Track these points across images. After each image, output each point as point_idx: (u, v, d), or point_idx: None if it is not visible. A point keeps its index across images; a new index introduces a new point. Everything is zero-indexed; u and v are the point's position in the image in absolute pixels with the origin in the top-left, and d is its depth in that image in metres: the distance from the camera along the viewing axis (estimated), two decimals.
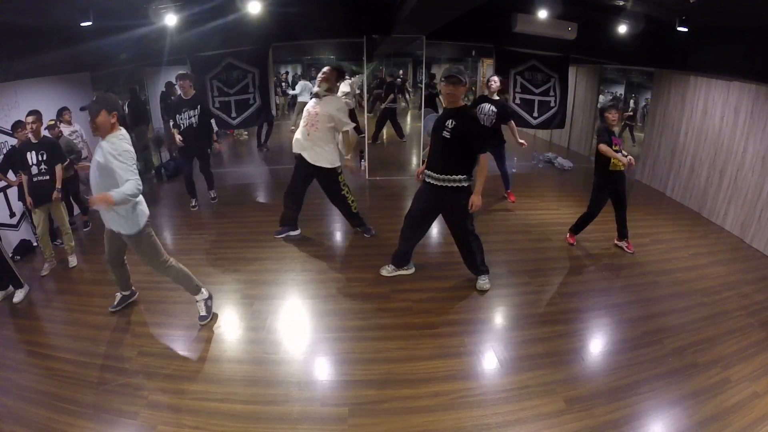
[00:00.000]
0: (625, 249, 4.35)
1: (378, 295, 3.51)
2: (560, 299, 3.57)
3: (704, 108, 5.37)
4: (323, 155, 4.06)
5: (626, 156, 3.96)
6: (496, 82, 5.24)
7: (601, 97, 8.08)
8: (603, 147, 3.90)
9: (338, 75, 4.09)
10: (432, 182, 3.30)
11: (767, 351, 2.89)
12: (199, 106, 5.04)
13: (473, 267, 3.62)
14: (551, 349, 2.91)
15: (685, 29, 4.72)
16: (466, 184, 3.26)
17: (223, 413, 2.38)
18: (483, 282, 3.60)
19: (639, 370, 2.70)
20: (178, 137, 5.04)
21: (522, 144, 5.46)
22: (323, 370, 2.74)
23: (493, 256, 4.19)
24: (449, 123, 3.13)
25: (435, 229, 5.05)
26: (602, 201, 4.17)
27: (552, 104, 6.79)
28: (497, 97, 5.28)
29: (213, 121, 5.44)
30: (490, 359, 2.81)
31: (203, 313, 3.13)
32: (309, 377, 2.67)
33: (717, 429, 2.28)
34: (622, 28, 5.34)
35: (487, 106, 5.21)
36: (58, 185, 3.84)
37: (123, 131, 2.73)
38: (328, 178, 4.20)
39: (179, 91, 5.11)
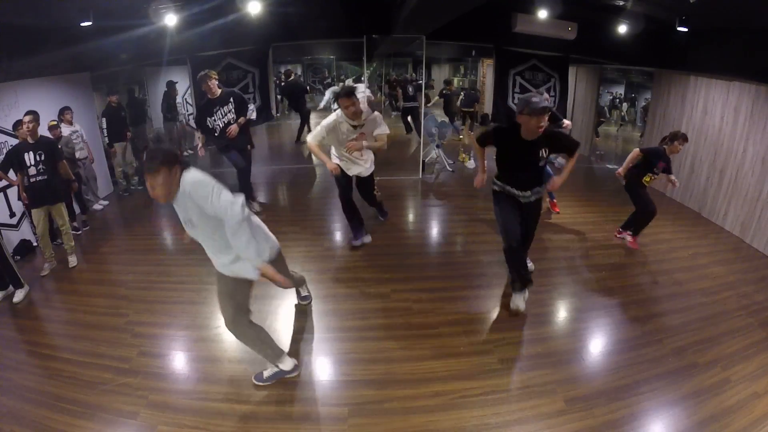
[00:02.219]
0: (626, 238, 4.44)
1: (378, 295, 3.51)
2: (560, 299, 3.57)
3: (704, 108, 5.37)
4: (365, 166, 4.03)
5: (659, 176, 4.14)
6: (569, 124, 5.15)
7: (601, 99, 8.08)
8: (637, 153, 4.14)
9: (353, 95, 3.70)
10: (515, 194, 3.26)
11: (767, 351, 2.89)
12: (232, 99, 4.67)
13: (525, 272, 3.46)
14: (551, 349, 2.91)
15: (685, 29, 4.72)
16: None
17: (223, 413, 2.38)
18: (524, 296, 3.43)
19: (639, 370, 2.70)
20: (200, 148, 4.83)
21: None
22: (323, 370, 2.74)
23: (494, 255, 4.20)
24: (543, 152, 3.06)
25: (435, 229, 5.06)
26: (642, 195, 4.19)
27: (552, 104, 6.79)
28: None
29: (252, 108, 5.19)
30: (490, 359, 2.81)
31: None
32: (309, 377, 2.67)
33: (717, 429, 2.28)
34: (622, 28, 5.35)
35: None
36: (72, 177, 3.99)
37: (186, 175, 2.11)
38: (368, 182, 4.20)
39: (207, 94, 4.65)
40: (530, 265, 3.72)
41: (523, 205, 3.23)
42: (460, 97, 9.70)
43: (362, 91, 8.35)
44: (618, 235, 4.54)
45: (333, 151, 4.02)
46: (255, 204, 5.33)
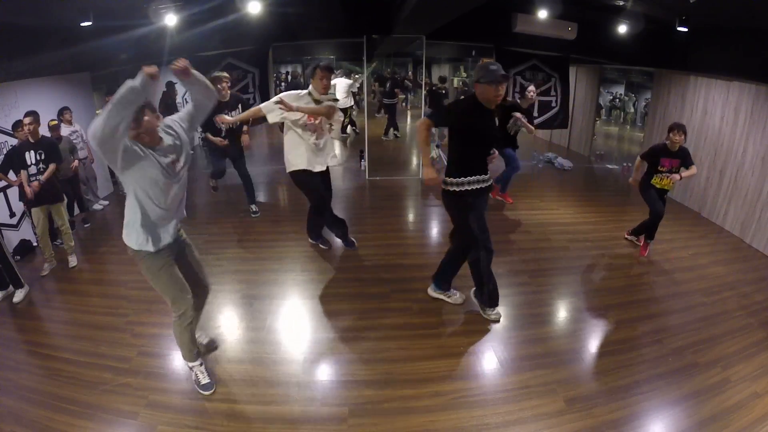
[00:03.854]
0: (636, 242, 4.44)
1: (378, 295, 3.51)
2: (560, 299, 3.57)
3: (704, 108, 5.37)
4: (332, 154, 3.91)
5: (674, 175, 3.98)
6: (533, 91, 5.26)
7: (602, 99, 8.08)
8: (638, 160, 4.13)
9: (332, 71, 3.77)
10: (484, 186, 3.00)
11: (767, 351, 2.89)
12: (240, 106, 4.75)
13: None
14: (551, 349, 2.91)
15: (685, 29, 4.72)
16: None
17: (223, 413, 2.38)
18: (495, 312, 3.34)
19: (639, 370, 2.70)
20: (218, 139, 4.72)
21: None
22: (323, 370, 2.74)
23: (494, 256, 4.19)
24: (495, 122, 2.97)
25: (435, 229, 5.05)
26: (654, 197, 4.10)
27: (553, 104, 6.79)
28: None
29: None
30: (490, 359, 2.81)
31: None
32: (309, 377, 2.67)
33: (717, 429, 2.28)
34: (622, 28, 5.34)
35: (519, 117, 5.10)
36: (43, 179, 3.78)
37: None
38: (329, 174, 3.97)
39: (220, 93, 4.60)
40: (457, 295, 3.42)
41: (485, 196, 3.06)
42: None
43: (346, 83, 8.50)
44: (627, 237, 4.54)
45: (293, 149, 3.73)
46: (252, 206, 5.23)
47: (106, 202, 5.75)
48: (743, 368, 2.72)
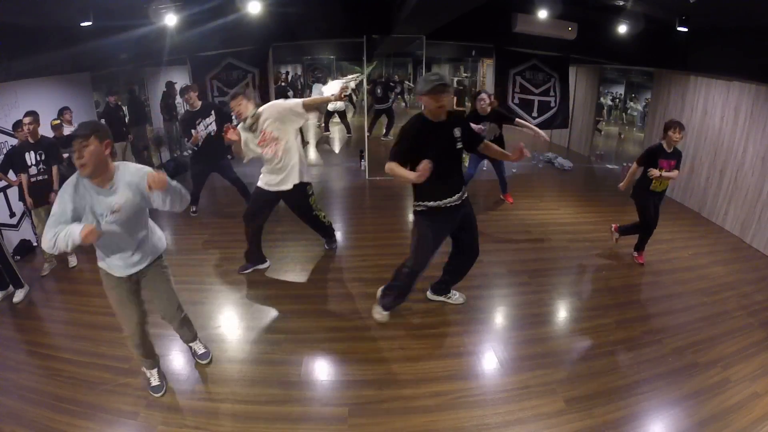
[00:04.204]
0: (635, 259, 4.16)
1: None
2: (560, 299, 3.57)
3: (704, 108, 5.37)
4: (294, 172, 3.51)
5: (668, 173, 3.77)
6: (485, 100, 4.86)
7: (602, 98, 8.08)
8: (634, 166, 3.85)
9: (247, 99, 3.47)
10: (452, 205, 2.82)
11: (767, 351, 2.89)
12: (213, 112, 4.79)
13: (462, 275, 3.30)
14: (551, 349, 2.91)
15: (685, 29, 4.72)
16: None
17: (223, 413, 2.38)
18: (458, 295, 3.40)
19: (639, 370, 2.70)
20: (196, 138, 4.72)
21: (543, 137, 5.02)
22: (323, 370, 2.74)
23: (494, 256, 4.20)
24: (456, 132, 2.72)
25: None
26: (649, 208, 3.89)
27: (552, 104, 6.79)
28: (488, 110, 4.92)
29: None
30: (490, 359, 2.81)
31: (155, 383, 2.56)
32: (309, 377, 2.67)
33: (717, 429, 2.28)
34: (622, 28, 5.34)
35: (487, 125, 5.00)
36: (56, 186, 3.82)
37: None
38: (299, 194, 3.63)
39: (185, 106, 4.81)
40: (457, 296, 3.39)
41: (457, 213, 2.86)
42: None
43: (338, 83, 8.65)
44: (614, 229, 4.34)
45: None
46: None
47: None
48: (743, 368, 2.72)
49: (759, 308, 3.40)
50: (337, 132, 10.41)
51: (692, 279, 3.84)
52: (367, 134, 9.60)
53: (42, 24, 4.18)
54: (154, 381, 2.53)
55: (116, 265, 2.26)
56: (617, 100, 7.76)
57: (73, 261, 4.08)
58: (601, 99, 7.99)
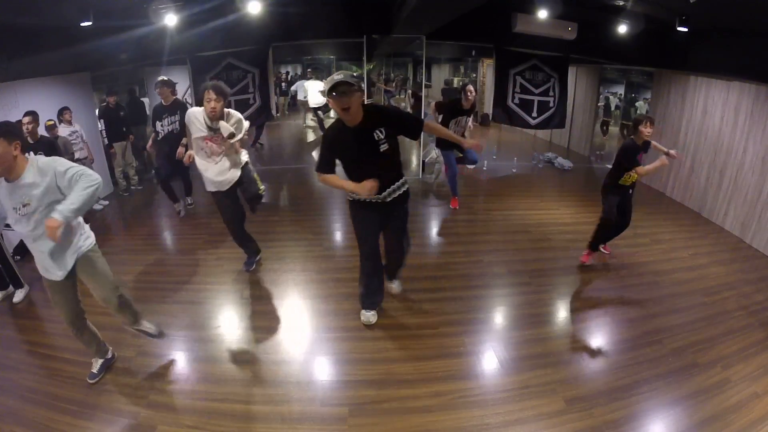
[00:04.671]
0: (602, 250, 4.19)
1: None
2: (560, 299, 3.57)
3: (704, 108, 5.37)
4: (234, 170, 3.48)
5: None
6: (472, 92, 4.97)
7: (602, 98, 8.07)
8: (639, 171, 3.61)
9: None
10: (379, 201, 2.78)
11: (767, 351, 2.89)
12: (178, 112, 4.82)
13: (396, 270, 3.28)
14: (551, 349, 2.91)
15: (685, 29, 4.72)
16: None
17: (223, 413, 2.38)
18: (397, 284, 3.39)
19: (639, 370, 2.70)
20: (149, 144, 4.83)
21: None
22: (323, 370, 2.74)
23: (493, 256, 4.20)
24: (378, 134, 2.57)
25: (434, 229, 5.06)
26: (614, 206, 3.82)
27: (551, 104, 6.79)
28: (469, 107, 5.06)
29: None
30: (490, 359, 2.81)
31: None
32: (309, 377, 2.67)
33: (717, 429, 2.28)
34: (622, 28, 5.34)
35: (464, 119, 5.12)
36: None
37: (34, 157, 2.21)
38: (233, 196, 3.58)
39: (160, 98, 4.90)
40: (395, 285, 3.36)
41: (385, 209, 2.81)
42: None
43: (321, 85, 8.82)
44: (602, 250, 4.22)
45: (202, 166, 3.42)
46: (188, 198, 5.44)
47: (106, 202, 5.75)
48: (743, 368, 2.72)
49: (759, 308, 3.40)
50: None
51: (692, 279, 3.84)
52: None
53: (42, 24, 4.18)
54: (94, 369, 2.62)
55: (40, 262, 2.31)
56: (620, 100, 7.76)
57: None
58: (610, 99, 7.95)
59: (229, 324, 3.19)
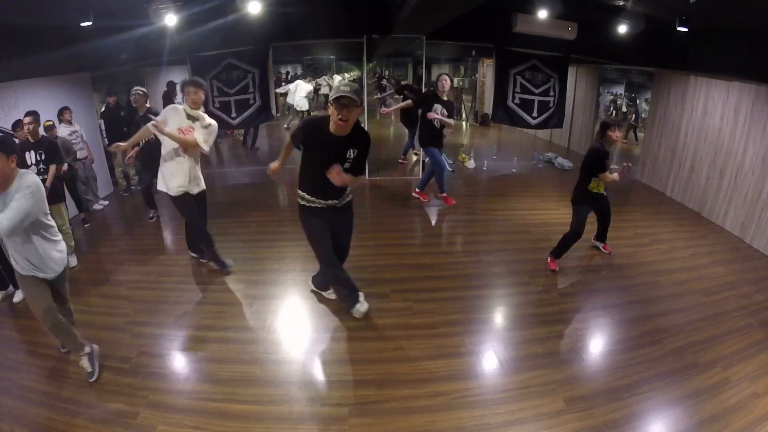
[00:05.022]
0: (602, 249, 4.28)
1: (378, 295, 3.51)
2: (560, 299, 3.57)
3: (704, 108, 5.37)
4: (200, 177, 3.68)
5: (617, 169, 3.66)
6: (447, 81, 5.09)
7: (609, 100, 8.05)
8: (608, 177, 3.59)
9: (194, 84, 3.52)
10: (326, 207, 2.91)
11: (767, 351, 2.89)
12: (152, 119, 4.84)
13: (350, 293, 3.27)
14: (551, 349, 2.91)
15: (685, 29, 4.72)
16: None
17: (223, 413, 2.38)
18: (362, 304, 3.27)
19: (639, 370, 2.70)
20: (129, 153, 4.54)
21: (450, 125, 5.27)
22: (323, 370, 2.74)
23: (493, 256, 4.20)
24: (350, 153, 2.73)
25: (435, 230, 5.06)
26: (585, 219, 3.83)
27: (550, 104, 6.79)
28: (446, 98, 5.14)
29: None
30: (490, 359, 2.81)
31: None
32: (309, 377, 2.67)
33: (717, 429, 2.28)
34: (622, 28, 5.34)
35: (439, 108, 5.12)
36: (48, 184, 3.79)
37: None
38: (203, 200, 3.78)
39: (134, 104, 4.89)
40: (330, 291, 3.43)
41: (332, 215, 2.94)
42: None
43: (308, 89, 9.08)
44: (594, 240, 4.31)
45: (169, 169, 3.56)
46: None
47: (106, 202, 5.75)
48: (743, 368, 2.72)
49: (759, 308, 3.40)
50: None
51: (692, 279, 3.84)
52: None
53: (42, 24, 4.17)
54: (86, 367, 2.62)
55: (16, 262, 2.43)
56: (628, 100, 7.75)
57: (73, 261, 4.07)
58: (618, 101, 7.91)
59: (230, 324, 3.18)
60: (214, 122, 3.61)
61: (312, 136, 2.72)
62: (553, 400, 2.46)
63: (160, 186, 3.64)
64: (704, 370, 2.70)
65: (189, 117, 3.48)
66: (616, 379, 2.63)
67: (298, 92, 9.30)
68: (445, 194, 5.54)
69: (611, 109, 8.06)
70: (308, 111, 9.59)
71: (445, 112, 5.12)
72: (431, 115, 5.07)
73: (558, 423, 2.32)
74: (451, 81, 5.22)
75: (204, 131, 3.50)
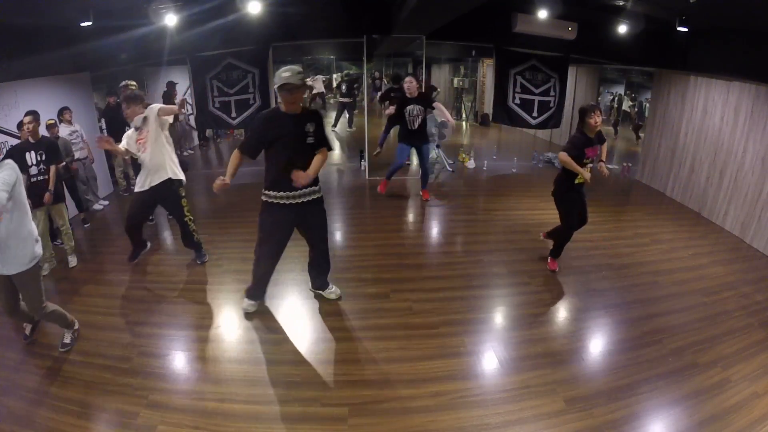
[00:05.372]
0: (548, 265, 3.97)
1: (378, 295, 3.51)
2: (560, 299, 3.57)
3: (704, 108, 5.37)
4: (166, 167, 3.72)
5: (595, 167, 3.60)
6: (412, 82, 5.23)
7: (614, 99, 8.04)
8: (564, 157, 3.44)
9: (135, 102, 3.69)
10: (292, 202, 2.92)
11: (767, 351, 2.89)
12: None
13: (322, 279, 3.41)
14: (551, 349, 2.91)
15: (685, 29, 4.72)
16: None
17: (223, 413, 2.38)
18: (333, 289, 3.45)
19: (639, 370, 2.70)
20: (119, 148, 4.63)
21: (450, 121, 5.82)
22: (323, 370, 2.73)
23: (493, 256, 4.20)
24: (309, 126, 2.82)
25: (435, 229, 5.06)
26: (574, 208, 3.71)
27: (551, 105, 6.79)
28: (416, 95, 5.25)
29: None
30: (490, 359, 2.81)
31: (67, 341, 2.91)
32: (309, 377, 2.66)
33: (717, 429, 2.28)
34: (622, 28, 5.34)
35: (416, 108, 5.23)
36: (51, 186, 3.80)
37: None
38: (169, 190, 3.78)
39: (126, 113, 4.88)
40: (333, 290, 3.44)
41: (298, 211, 2.95)
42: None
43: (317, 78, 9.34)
44: (543, 237, 4.14)
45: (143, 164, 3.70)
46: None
47: (106, 202, 5.75)
48: (743, 368, 2.72)
49: (759, 308, 3.40)
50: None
51: (692, 279, 3.84)
52: (332, 129, 10.26)
53: (42, 24, 4.18)
54: (27, 331, 2.96)
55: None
56: (615, 100, 7.76)
57: (73, 261, 4.08)
58: (624, 103, 7.89)
59: (229, 324, 3.19)
60: (151, 108, 3.68)
61: (270, 123, 2.80)
62: (553, 400, 2.46)
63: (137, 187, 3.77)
64: (704, 370, 2.70)
65: (136, 128, 3.68)
66: (616, 379, 2.63)
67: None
68: (386, 180, 5.75)
69: (613, 108, 8.06)
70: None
71: (421, 110, 5.25)
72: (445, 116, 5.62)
73: (558, 423, 2.32)
74: (417, 81, 5.42)
75: (153, 122, 3.61)
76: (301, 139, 2.82)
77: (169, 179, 3.72)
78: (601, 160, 3.74)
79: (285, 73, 2.66)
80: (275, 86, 2.72)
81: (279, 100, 2.84)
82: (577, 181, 3.60)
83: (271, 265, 3.16)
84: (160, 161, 3.67)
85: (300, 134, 2.81)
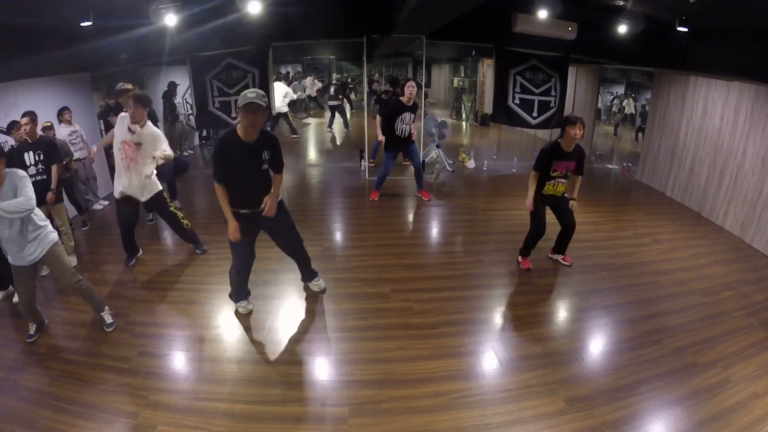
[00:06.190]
0: (561, 261, 4.01)
1: (378, 295, 3.51)
2: (560, 299, 3.57)
3: (704, 108, 5.37)
4: (149, 186, 3.80)
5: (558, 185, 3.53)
6: (414, 88, 5.13)
7: (601, 98, 8.06)
8: (533, 175, 3.50)
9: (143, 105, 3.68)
10: (255, 211, 2.98)
11: (767, 351, 2.89)
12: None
13: (308, 270, 3.51)
14: (551, 349, 2.91)
15: (685, 29, 4.72)
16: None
17: (223, 413, 2.38)
18: (319, 282, 3.58)
19: (639, 370, 2.70)
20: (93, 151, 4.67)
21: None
22: (323, 370, 2.74)
23: (494, 256, 4.20)
24: (265, 154, 2.86)
25: (435, 229, 5.06)
26: (542, 217, 3.70)
27: (552, 104, 6.79)
28: (410, 103, 5.19)
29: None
30: (490, 359, 2.81)
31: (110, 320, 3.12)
32: (309, 377, 2.67)
33: (717, 429, 2.28)
34: (622, 28, 5.35)
35: (408, 116, 5.20)
36: (53, 186, 3.81)
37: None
38: (160, 201, 3.91)
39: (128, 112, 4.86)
40: (318, 282, 3.56)
41: (259, 222, 3.02)
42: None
43: (285, 90, 9.25)
44: (551, 256, 4.09)
45: (117, 172, 3.77)
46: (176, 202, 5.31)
47: (106, 202, 5.74)
48: (743, 368, 2.72)
49: (759, 308, 3.40)
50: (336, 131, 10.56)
51: (692, 279, 3.84)
52: (327, 129, 10.53)
53: (42, 24, 4.18)
54: (32, 330, 3.02)
55: (11, 254, 2.77)
56: (615, 99, 7.75)
57: (73, 261, 4.07)
58: (624, 103, 7.84)
59: (229, 324, 3.19)
60: (153, 132, 3.69)
61: (230, 148, 2.80)
62: (553, 400, 2.46)
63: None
64: (704, 370, 2.70)
65: (129, 130, 3.63)
66: (616, 379, 2.63)
67: (277, 92, 8.89)
68: (376, 191, 5.74)
69: (613, 109, 8.04)
70: (286, 114, 9.55)
71: (413, 117, 5.24)
72: None
73: (558, 423, 2.32)
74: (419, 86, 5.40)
75: (148, 149, 3.65)
76: (257, 166, 2.86)
77: (155, 194, 3.85)
78: (572, 198, 3.70)
79: (250, 94, 2.66)
80: (239, 105, 2.68)
81: (237, 119, 2.81)
82: (545, 193, 3.61)
83: (243, 266, 3.17)
84: (140, 182, 3.74)
85: (256, 162, 2.84)
